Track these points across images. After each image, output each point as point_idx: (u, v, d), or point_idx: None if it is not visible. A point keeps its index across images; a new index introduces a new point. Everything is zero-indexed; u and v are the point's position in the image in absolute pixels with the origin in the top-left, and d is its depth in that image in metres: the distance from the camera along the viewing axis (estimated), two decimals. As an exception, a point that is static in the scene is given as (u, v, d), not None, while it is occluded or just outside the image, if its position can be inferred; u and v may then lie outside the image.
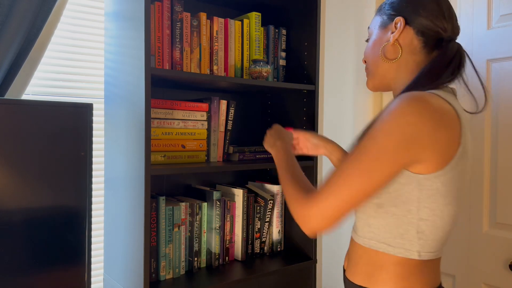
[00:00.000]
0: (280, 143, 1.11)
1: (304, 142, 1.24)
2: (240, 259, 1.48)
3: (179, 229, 1.33)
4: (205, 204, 1.39)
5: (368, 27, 0.99)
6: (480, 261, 1.43)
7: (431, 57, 0.87)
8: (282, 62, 1.59)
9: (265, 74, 1.42)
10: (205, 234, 1.40)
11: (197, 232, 1.38)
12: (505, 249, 1.36)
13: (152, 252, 1.27)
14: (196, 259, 1.38)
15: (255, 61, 1.42)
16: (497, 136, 1.39)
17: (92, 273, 1.42)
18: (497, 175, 1.39)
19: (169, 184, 1.52)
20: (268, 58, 1.55)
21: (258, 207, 1.53)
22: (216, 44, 1.40)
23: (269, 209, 1.55)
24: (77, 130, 1.08)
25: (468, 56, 0.86)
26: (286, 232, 1.63)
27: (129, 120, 1.18)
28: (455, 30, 0.88)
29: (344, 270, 0.96)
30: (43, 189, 1.04)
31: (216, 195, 1.39)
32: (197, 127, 1.37)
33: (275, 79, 1.58)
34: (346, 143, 1.79)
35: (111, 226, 1.31)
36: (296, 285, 1.57)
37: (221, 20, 1.41)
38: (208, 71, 1.38)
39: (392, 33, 0.90)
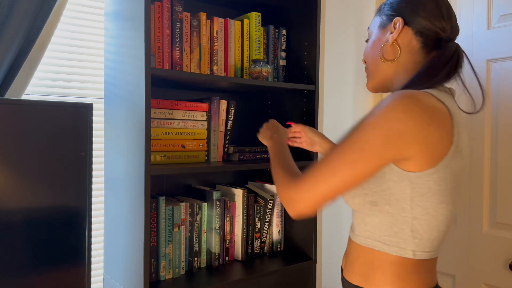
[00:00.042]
0: (277, 136, 1.15)
1: (303, 136, 1.30)
2: (240, 259, 1.48)
3: (179, 229, 1.33)
4: (205, 204, 1.39)
5: (368, 28, 1.00)
6: (480, 261, 1.43)
7: (430, 57, 0.88)
8: (282, 62, 1.59)
9: (265, 74, 1.42)
10: (205, 234, 1.40)
11: (197, 232, 1.38)
12: (505, 249, 1.36)
13: (152, 252, 1.27)
14: (196, 259, 1.38)
15: (255, 61, 1.42)
16: (497, 136, 1.39)
17: (92, 273, 1.42)
18: (497, 175, 1.39)
19: (169, 184, 1.52)
20: (268, 58, 1.55)
21: (258, 207, 1.53)
22: (216, 44, 1.40)
23: (269, 209, 1.55)
24: (77, 130, 1.08)
25: (467, 56, 0.87)
26: (286, 232, 1.63)
27: (129, 120, 1.18)
28: (454, 30, 0.88)
29: (342, 270, 0.96)
30: (43, 189, 1.04)
31: (216, 195, 1.39)
32: (197, 127, 1.37)
33: (275, 79, 1.58)
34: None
35: (111, 226, 1.31)
36: (296, 285, 1.57)
37: (221, 20, 1.41)
38: (208, 71, 1.38)
39: (391, 33, 0.90)
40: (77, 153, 1.08)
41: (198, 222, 1.38)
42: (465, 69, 0.87)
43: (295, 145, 1.33)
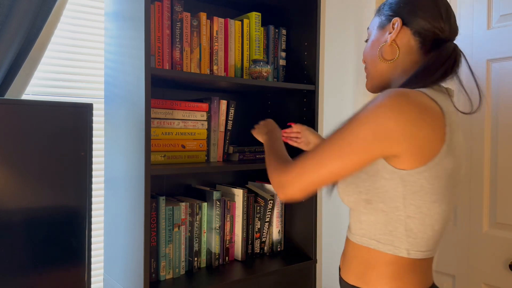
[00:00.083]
0: (273, 132, 1.19)
1: (302, 136, 1.33)
2: (240, 259, 1.48)
3: (179, 229, 1.33)
4: (205, 204, 1.39)
5: (368, 28, 1.00)
6: (480, 261, 1.43)
7: (428, 57, 0.88)
8: (282, 62, 1.59)
9: (265, 74, 1.42)
10: (205, 234, 1.40)
11: (197, 232, 1.38)
12: (505, 249, 1.36)
13: (152, 252, 1.27)
14: (196, 259, 1.38)
15: (255, 61, 1.42)
16: (497, 136, 1.39)
17: (92, 273, 1.42)
18: (497, 175, 1.39)
19: (169, 184, 1.52)
20: (268, 58, 1.55)
21: (258, 207, 1.53)
22: (216, 44, 1.40)
23: (269, 209, 1.55)
24: (77, 130, 1.08)
25: (465, 57, 0.87)
26: (286, 232, 1.63)
27: (129, 120, 1.18)
28: (453, 30, 0.88)
29: (339, 269, 0.96)
30: (43, 189, 1.04)
31: (216, 195, 1.39)
32: (197, 127, 1.37)
33: (275, 79, 1.58)
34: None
35: (111, 226, 1.31)
36: (296, 285, 1.57)
37: (221, 20, 1.41)
38: (208, 71, 1.38)
39: (390, 33, 0.91)
40: (77, 153, 1.08)
41: (198, 222, 1.38)
42: (464, 70, 0.87)
43: (294, 144, 1.34)
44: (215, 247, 1.41)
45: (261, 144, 1.59)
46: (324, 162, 0.80)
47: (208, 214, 1.40)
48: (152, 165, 1.21)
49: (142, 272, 1.12)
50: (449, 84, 0.88)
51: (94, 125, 1.40)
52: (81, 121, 1.09)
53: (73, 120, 1.07)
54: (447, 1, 0.89)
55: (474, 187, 1.44)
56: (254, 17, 1.47)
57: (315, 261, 1.51)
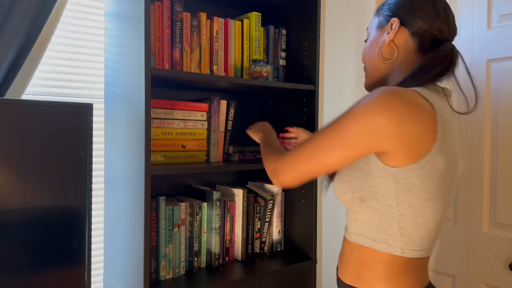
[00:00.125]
0: (269, 132, 1.23)
1: (298, 138, 1.35)
2: (240, 259, 1.48)
3: (179, 229, 1.33)
4: (205, 204, 1.39)
5: (367, 28, 1.01)
6: (480, 261, 1.43)
7: (425, 57, 0.88)
8: (282, 62, 1.59)
9: (265, 74, 1.42)
10: (205, 234, 1.40)
11: (197, 232, 1.38)
12: (505, 249, 1.36)
13: (152, 252, 1.27)
14: (196, 259, 1.38)
15: (255, 61, 1.42)
16: (497, 136, 1.39)
17: (92, 273, 1.42)
18: (497, 175, 1.39)
19: (169, 184, 1.52)
20: (268, 58, 1.55)
21: (258, 207, 1.53)
22: (216, 44, 1.40)
23: (269, 209, 1.55)
24: (77, 130, 1.08)
25: (462, 57, 0.87)
26: (286, 232, 1.63)
27: (129, 120, 1.18)
28: (452, 31, 0.89)
29: (337, 269, 0.97)
30: (43, 189, 1.04)
31: (216, 195, 1.39)
32: (197, 127, 1.37)
33: (275, 79, 1.58)
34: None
35: (111, 226, 1.31)
36: (296, 285, 1.57)
37: (221, 20, 1.41)
38: (208, 71, 1.38)
39: (388, 34, 0.91)
40: (77, 153, 1.08)
41: (198, 222, 1.38)
42: (463, 70, 0.88)
43: (290, 147, 1.37)
44: (215, 247, 1.41)
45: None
46: (316, 154, 0.82)
47: (208, 214, 1.40)
48: (152, 165, 1.21)
49: (142, 272, 1.12)
50: (448, 84, 0.88)
51: (94, 125, 1.40)
52: (81, 121, 1.09)
53: (73, 120, 1.07)
54: (445, 2, 0.90)
55: (474, 187, 1.44)
56: (254, 17, 1.47)
57: (315, 261, 1.51)
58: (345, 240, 0.93)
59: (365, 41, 1.00)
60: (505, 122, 1.37)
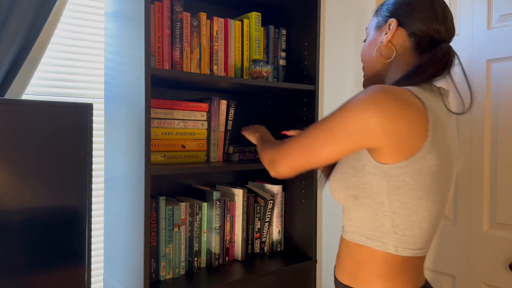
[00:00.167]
0: (265, 132, 1.27)
1: None
2: (240, 259, 1.48)
3: (179, 229, 1.33)
4: (205, 204, 1.39)
5: (366, 28, 1.02)
6: (480, 261, 1.43)
7: (422, 58, 0.89)
8: (282, 62, 1.59)
9: (265, 74, 1.42)
10: (205, 234, 1.40)
11: (197, 232, 1.38)
12: (505, 249, 1.36)
13: (152, 252, 1.27)
14: (196, 259, 1.38)
15: (255, 61, 1.42)
16: (497, 136, 1.39)
17: (92, 273, 1.42)
18: (497, 175, 1.39)
19: (169, 184, 1.52)
20: (268, 58, 1.55)
21: (258, 207, 1.53)
22: (216, 44, 1.40)
23: (269, 209, 1.55)
24: (77, 130, 1.08)
25: (459, 58, 0.88)
26: (286, 232, 1.63)
27: (129, 120, 1.18)
28: (449, 32, 0.89)
29: (334, 269, 0.98)
30: (43, 189, 1.04)
31: (216, 195, 1.39)
32: (197, 127, 1.37)
33: (275, 79, 1.58)
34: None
35: (111, 226, 1.31)
36: (296, 285, 1.57)
37: (221, 20, 1.41)
38: (208, 71, 1.38)
39: (386, 34, 0.92)
40: (77, 153, 1.08)
41: (198, 222, 1.38)
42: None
43: None
44: (215, 247, 1.41)
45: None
46: (309, 146, 0.85)
47: (208, 214, 1.40)
48: (152, 165, 1.21)
49: (142, 272, 1.12)
50: (447, 85, 0.88)
51: (94, 125, 1.40)
52: (81, 121, 1.09)
53: (73, 120, 1.07)
54: (444, 2, 0.90)
55: (474, 187, 1.44)
56: (254, 17, 1.47)
57: (315, 261, 1.51)
58: (341, 239, 0.94)
59: (364, 41, 1.01)
60: (505, 122, 1.37)
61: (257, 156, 1.55)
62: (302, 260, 1.50)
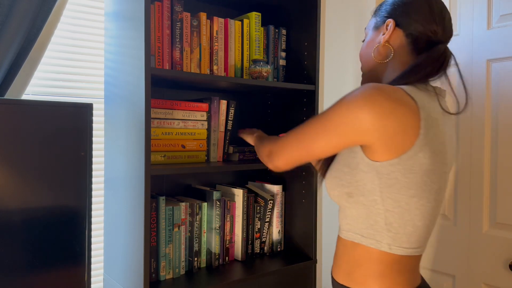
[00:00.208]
0: (262, 133, 1.28)
1: None
2: (240, 259, 1.48)
3: (179, 229, 1.33)
4: (205, 204, 1.39)
5: (365, 28, 1.03)
6: (480, 261, 1.43)
7: (418, 58, 0.90)
8: (282, 62, 1.59)
9: (265, 74, 1.42)
10: (205, 234, 1.40)
11: (197, 232, 1.38)
12: (505, 249, 1.36)
13: (152, 252, 1.27)
14: (196, 259, 1.38)
15: (255, 61, 1.42)
16: (497, 136, 1.39)
17: (92, 273, 1.42)
18: (497, 175, 1.39)
19: (169, 184, 1.52)
20: (268, 58, 1.55)
21: (258, 207, 1.53)
22: (216, 44, 1.40)
23: (269, 209, 1.55)
24: (77, 130, 1.08)
25: (455, 59, 0.89)
26: (286, 232, 1.63)
27: (129, 120, 1.18)
28: (447, 33, 0.90)
29: (332, 268, 0.98)
30: (43, 189, 1.04)
31: (216, 195, 1.39)
32: (197, 127, 1.37)
33: (275, 79, 1.58)
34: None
35: (111, 226, 1.31)
36: (296, 285, 1.57)
37: (221, 20, 1.41)
38: (208, 71, 1.38)
39: (383, 34, 0.93)
40: (77, 153, 1.08)
41: (198, 222, 1.38)
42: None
43: None
44: (215, 247, 1.41)
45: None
46: (304, 140, 0.87)
47: (208, 214, 1.40)
48: (152, 165, 1.21)
49: (142, 272, 1.12)
50: (431, 82, 0.89)
51: (94, 125, 1.40)
52: (81, 121, 1.09)
53: (73, 120, 1.07)
54: (442, 3, 0.90)
55: (474, 187, 1.44)
56: (254, 17, 1.47)
57: (315, 261, 1.51)
58: (338, 238, 0.95)
59: (363, 41, 1.02)
60: (505, 122, 1.37)
61: (257, 156, 1.55)
62: (302, 260, 1.50)
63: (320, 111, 1.94)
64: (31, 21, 1.13)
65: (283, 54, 1.59)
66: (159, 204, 1.28)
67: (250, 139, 1.32)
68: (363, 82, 1.00)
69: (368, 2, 1.78)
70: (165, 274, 1.30)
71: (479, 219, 1.43)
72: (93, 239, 1.42)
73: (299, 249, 1.57)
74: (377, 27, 0.96)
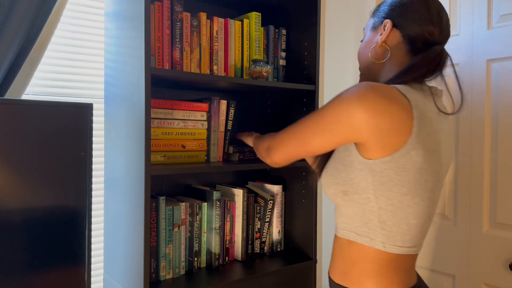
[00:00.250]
0: (259, 134, 1.29)
1: None
2: (240, 259, 1.48)
3: (179, 229, 1.33)
4: (205, 204, 1.39)
5: (363, 29, 1.04)
6: (480, 261, 1.43)
7: (415, 59, 0.90)
8: (282, 62, 1.59)
9: (265, 74, 1.42)
10: (205, 234, 1.40)
11: (197, 232, 1.38)
12: (505, 249, 1.36)
13: (152, 252, 1.27)
14: (196, 259, 1.38)
15: (255, 61, 1.42)
16: (497, 136, 1.39)
17: (92, 273, 1.42)
18: (497, 175, 1.39)
19: (169, 184, 1.52)
20: (268, 58, 1.55)
21: (258, 207, 1.53)
22: (216, 44, 1.40)
23: (269, 209, 1.55)
24: (77, 130, 1.08)
25: (451, 60, 0.89)
26: (286, 232, 1.63)
27: (129, 120, 1.18)
28: (444, 34, 0.91)
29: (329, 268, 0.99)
30: (43, 189, 1.04)
31: (216, 195, 1.39)
32: (197, 127, 1.37)
33: (275, 79, 1.58)
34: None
35: (111, 226, 1.31)
36: (296, 285, 1.57)
37: (221, 20, 1.41)
38: (208, 71, 1.38)
39: (381, 35, 0.94)
40: (77, 153, 1.08)
41: (198, 222, 1.38)
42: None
43: None
44: (215, 247, 1.41)
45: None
46: (299, 136, 0.90)
47: (208, 214, 1.40)
48: (152, 165, 1.21)
49: (142, 272, 1.12)
50: (426, 83, 0.90)
51: (94, 125, 1.40)
52: (81, 121, 1.09)
53: (73, 120, 1.07)
54: (440, 4, 0.91)
55: (474, 187, 1.44)
56: (254, 17, 1.47)
57: (315, 261, 1.51)
58: (334, 237, 0.96)
59: (361, 41, 1.03)
60: (505, 122, 1.37)
61: (257, 156, 1.55)
62: (302, 260, 1.50)
63: (320, 111, 1.94)
64: (31, 21, 1.13)
65: (283, 54, 1.59)
66: (159, 204, 1.28)
67: (249, 139, 1.33)
68: (360, 81, 1.01)
69: (368, 2, 1.78)
70: (165, 274, 1.30)
71: (479, 219, 1.43)
72: (93, 239, 1.42)
73: (299, 249, 1.57)
74: (375, 28, 0.97)
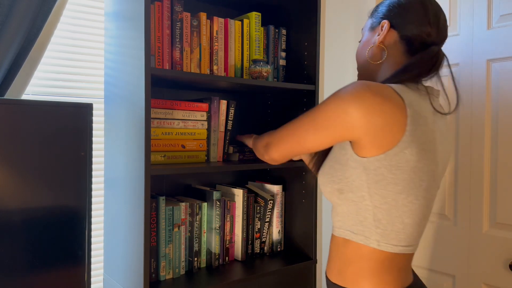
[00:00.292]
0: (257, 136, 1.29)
1: None
2: (240, 259, 1.48)
3: (179, 229, 1.33)
4: (205, 204, 1.39)
5: (362, 29, 1.05)
6: (480, 261, 1.43)
7: (411, 59, 0.91)
8: (282, 62, 1.59)
9: (265, 74, 1.42)
10: (205, 234, 1.40)
11: (197, 232, 1.38)
12: (505, 249, 1.36)
13: (152, 252, 1.27)
14: (196, 259, 1.38)
15: (255, 61, 1.42)
16: (497, 136, 1.39)
17: (92, 273, 1.42)
18: (497, 175, 1.39)
19: (169, 184, 1.52)
20: (268, 58, 1.55)
21: (258, 207, 1.53)
22: (216, 44, 1.40)
23: (269, 209, 1.55)
24: (77, 130, 1.08)
25: (448, 61, 0.90)
26: (286, 232, 1.63)
27: (129, 120, 1.18)
28: (441, 35, 0.91)
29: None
30: (43, 189, 1.04)
31: (216, 195, 1.39)
32: (197, 127, 1.37)
33: (275, 79, 1.58)
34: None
35: (111, 226, 1.31)
36: (296, 285, 1.57)
37: (221, 20, 1.41)
38: (208, 71, 1.38)
39: (378, 35, 0.94)
40: (77, 153, 1.08)
41: (198, 222, 1.38)
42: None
43: None
44: (215, 247, 1.41)
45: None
46: (295, 134, 0.92)
47: (208, 214, 1.40)
48: (152, 165, 1.21)
49: (142, 272, 1.12)
50: (423, 83, 0.90)
51: (94, 125, 1.40)
52: (81, 121, 1.09)
53: (73, 120, 1.07)
54: (437, 5, 0.91)
55: (474, 187, 1.44)
56: (254, 17, 1.47)
57: (315, 261, 1.51)
58: (331, 236, 0.96)
59: (360, 41, 1.03)
60: (505, 122, 1.37)
61: (256, 156, 1.55)
62: (302, 260, 1.50)
63: (320, 111, 1.94)
64: (31, 21, 1.13)
65: (283, 54, 1.59)
66: (159, 204, 1.28)
67: (248, 140, 1.34)
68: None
69: (368, 2, 1.78)
70: (165, 274, 1.30)
71: (479, 219, 1.43)
72: (93, 239, 1.42)
73: (299, 249, 1.57)
74: (372, 28, 0.97)
